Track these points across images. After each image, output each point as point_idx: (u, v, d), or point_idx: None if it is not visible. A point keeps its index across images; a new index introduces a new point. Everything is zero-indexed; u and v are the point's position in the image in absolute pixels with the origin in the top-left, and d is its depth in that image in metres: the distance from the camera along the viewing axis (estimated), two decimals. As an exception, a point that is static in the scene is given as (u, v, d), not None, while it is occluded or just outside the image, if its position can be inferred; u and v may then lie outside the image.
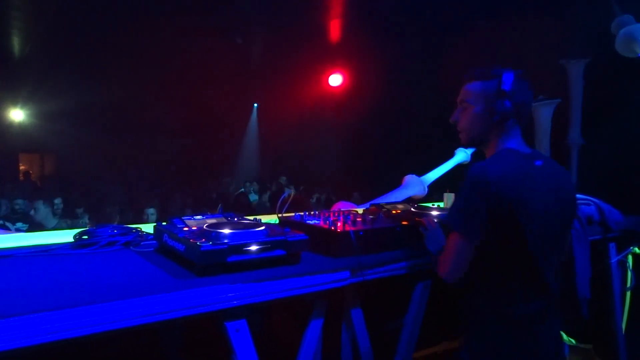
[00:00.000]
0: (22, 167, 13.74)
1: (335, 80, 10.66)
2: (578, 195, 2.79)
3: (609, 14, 4.42)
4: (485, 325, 1.66)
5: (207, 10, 7.45)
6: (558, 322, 1.74)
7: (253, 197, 9.59)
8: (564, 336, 2.26)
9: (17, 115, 11.95)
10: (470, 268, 1.63)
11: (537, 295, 1.64)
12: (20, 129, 12.07)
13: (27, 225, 5.59)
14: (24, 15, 7.73)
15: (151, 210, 6.30)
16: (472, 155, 3.51)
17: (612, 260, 2.78)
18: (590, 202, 2.70)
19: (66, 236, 1.93)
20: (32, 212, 5.68)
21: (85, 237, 1.86)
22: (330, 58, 10.00)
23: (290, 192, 2.12)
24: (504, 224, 1.56)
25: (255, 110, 14.42)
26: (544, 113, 4.73)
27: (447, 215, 1.68)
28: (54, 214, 5.74)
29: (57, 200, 6.01)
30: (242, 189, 9.89)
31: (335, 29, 8.49)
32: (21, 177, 12.69)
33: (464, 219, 1.60)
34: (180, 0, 7.12)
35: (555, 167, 1.76)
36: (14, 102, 11.66)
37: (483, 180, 1.56)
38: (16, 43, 9.01)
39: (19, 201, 6.06)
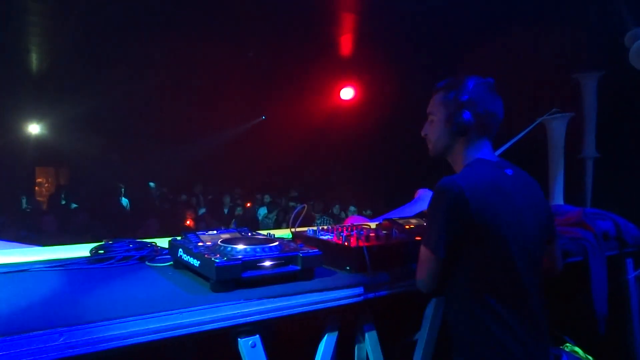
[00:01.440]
0: (38, 180, 13.92)
1: (347, 93, 10.67)
2: (593, 210, 2.77)
3: (622, 27, 4.40)
4: (467, 344, 1.61)
5: (219, 25, 7.54)
6: (544, 347, 1.64)
7: (263, 211, 9.58)
8: (580, 352, 2.22)
9: (34, 129, 12.15)
10: (450, 283, 1.62)
11: (518, 315, 1.56)
12: (37, 142, 12.26)
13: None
14: (42, 31, 7.90)
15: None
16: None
17: (629, 276, 2.73)
18: (605, 216, 2.67)
19: (82, 250, 1.95)
20: None
21: (102, 251, 1.87)
22: (342, 71, 10.03)
23: (304, 206, 2.13)
24: (476, 237, 1.53)
25: (265, 123, 14.50)
26: (557, 126, 4.71)
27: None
28: None
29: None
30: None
31: (347, 43, 8.53)
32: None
33: (429, 232, 1.60)
34: (193, 14, 7.21)
35: (525, 176, 1.72)
36: (32, 117, 11.86)
37: (450, 193, 1.53)
38: (34, 59, 9.19)
39: None
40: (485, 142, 1.70)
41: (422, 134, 1.83)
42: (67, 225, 6.95)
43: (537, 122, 4.92)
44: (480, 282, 1.58)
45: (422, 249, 1.63)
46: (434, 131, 1.77)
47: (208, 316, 1.35)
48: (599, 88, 5.10)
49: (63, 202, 9.49)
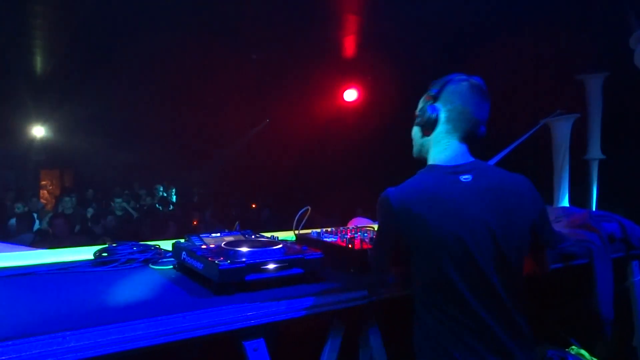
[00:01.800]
0: (42, 183, 13.96)
1: (351, 95, 10.66)
2: (599, 212, 2.75)
3: (627, 28, 4.38)
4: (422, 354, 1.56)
5: (222, 27, 7.55)
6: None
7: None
8: (586, 355, 2.21)
9: (39, 131, 12.19)
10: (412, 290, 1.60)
11: (471, 327, 1.44)
12: (42, 144, 12.30)
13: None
14: (46, 34, 7.93)
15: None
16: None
17: (636, 279, 2.71)
18: (611, 218, 2.65)
19: (86, 253, 1.95)
20: None
21: (105, 254, 1.88)
22: (345, 73, 10.03)
23: (307, 208, 2.13)
24: (408, 249, 1.50)
25: (268, 125, 14.50)
26: (562, 128, 4.69)
27: None
28: None
29: None
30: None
31: (350, 44, 8.53)
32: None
33: (375, 242, 1.65)
34: (197, 16, 7.23)
35: (493, 181, 1.52)
36: (36, 119, 11.90)
37: (383, 203, 1.52)
38: (38, 61, 9.22)
39: None
40: (454, 143, 1.58)
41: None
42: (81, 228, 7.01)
43: (541, 123, 4.89)
44: (427, 294, 1.52)
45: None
46: (412, 130, 1.73)
47: (212, 319, 1.35)
48: (604, 89, 5.07)
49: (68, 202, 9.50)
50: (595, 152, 5.15)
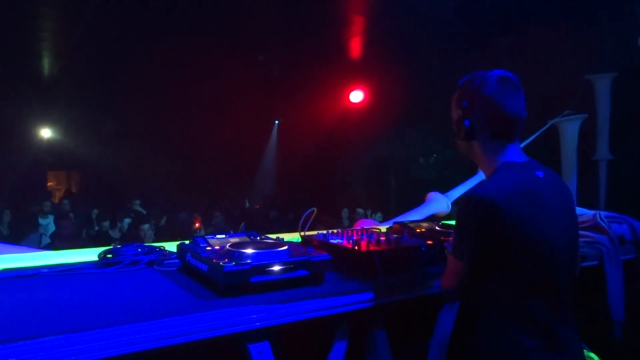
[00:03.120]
0: (49, 184, 14.03)
1: (357, 96, 10.66)
2: (609, 213, 2.71)
3: (635, 29, 4.35)
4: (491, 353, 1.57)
5: (229, 29, 7.57)
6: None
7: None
8: (596, 358, 2.17)
9: (46, 133, 12.26)
10: (477, 293, 1.58)
11: (543, 338, 1.51)
12: (49, 146, 12.36)
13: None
14: (54, 36, 7.98)
15: (146, 226, 6.35)
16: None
17: (646, 281, 2.68)
18: (621, 220, 2.62)
19: (91, 254, 1.94)
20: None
21: (110, 255, 1.86)
22: (352, 74, 10.03)
23: (313, 209, 2.11)
24: (510, 246, 1.49)
25: (276, 127, 14.53)
26: (570, 128, 4.66)
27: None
28: None
29: None
30: None
31: (356, 46, 8.53)
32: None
33: (458, 242, 1.57)
34: (204, 19, 7.25)
35: (556, 177, 1.64)
36: (44, 121, 11.97)
37: (480, 203, 1.48)
38: (46, 63, 9.28)
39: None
40: (509, 144, 1.61)
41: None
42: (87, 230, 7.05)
43: (550, 123, 4.86)
44: (504, 288, 1.54)
45: (451, 259, 1.60)
46: (454, 134, 1.72)
47: (216, 322, 1.33)
48: (612, 89, 5.04)
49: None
50: (603, 152, 5.11)
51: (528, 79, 1.72)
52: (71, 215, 7.56)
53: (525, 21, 5.40)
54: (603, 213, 2.71)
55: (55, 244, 5.89)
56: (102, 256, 1.87)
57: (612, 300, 2.33)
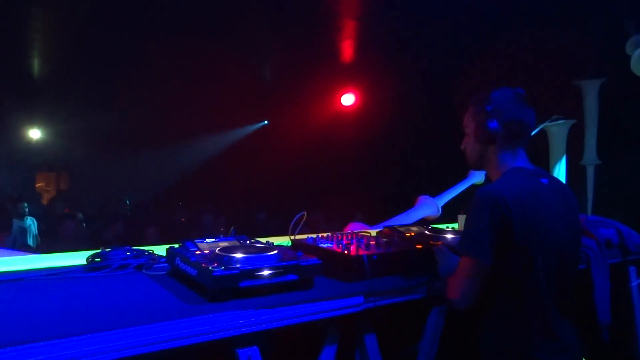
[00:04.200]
0: (38, 185, 13.89)
1: (348, 99, 10.67)
2: (596, 217, 2.74)
3: (624, 34, 4.40)
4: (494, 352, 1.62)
5: (220, 31, 7.55)
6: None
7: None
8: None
9: (35, 134, 12.15)
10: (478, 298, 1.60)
11: (545, 339, 1.59)
12: (38, 147, 12.25)
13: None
14: (43, 37, 7.91)
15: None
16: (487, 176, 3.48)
17: (632, 284, 2.71)
18: (608, 224, 2.65)
19: (79, 258, 1.93)
20: None
21: (98, 259, 1.85)
22: (343, 77, 10.04)
23: (303, 213, 2.11)
24: (515, 245, 1.54)
25: (266, 128, 14.48)
26: (558, 133, 4.68)
27: (459, 242, 1.66)
28: None
29: None
30: None
31: (347, 49, 8.54)
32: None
33: (474, 241, 1.58)
34: (194, 20, 7.22)
35: (561, 185, 1.76)
36: (32, 122, 11.86)
37: (492, 201, 1.55)
38: (35, 64, 9.19)
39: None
40: (519, 151, 1.73)
41: (462, 147, 1.88)
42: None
43: (538, 128, 4.89)
44: (510, 289, 1.60)
45: (464, 261, 1.61)
46: (468, 143, 1.83)
47: (205, 327, 1.33)
48: (601, 95, 5.08)
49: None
50: (591, 157, 5.15)
51: (518, 84, 1.79)
52: (80, 215, 7.34)
53: (513, 27, 5.45)
54: (591, 217, 2.74)
55: (25, 246, 5.77)
56: (90, 260, 1.86)
57: (599, 303, 2.35)
